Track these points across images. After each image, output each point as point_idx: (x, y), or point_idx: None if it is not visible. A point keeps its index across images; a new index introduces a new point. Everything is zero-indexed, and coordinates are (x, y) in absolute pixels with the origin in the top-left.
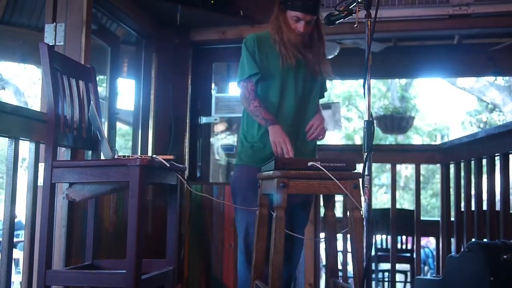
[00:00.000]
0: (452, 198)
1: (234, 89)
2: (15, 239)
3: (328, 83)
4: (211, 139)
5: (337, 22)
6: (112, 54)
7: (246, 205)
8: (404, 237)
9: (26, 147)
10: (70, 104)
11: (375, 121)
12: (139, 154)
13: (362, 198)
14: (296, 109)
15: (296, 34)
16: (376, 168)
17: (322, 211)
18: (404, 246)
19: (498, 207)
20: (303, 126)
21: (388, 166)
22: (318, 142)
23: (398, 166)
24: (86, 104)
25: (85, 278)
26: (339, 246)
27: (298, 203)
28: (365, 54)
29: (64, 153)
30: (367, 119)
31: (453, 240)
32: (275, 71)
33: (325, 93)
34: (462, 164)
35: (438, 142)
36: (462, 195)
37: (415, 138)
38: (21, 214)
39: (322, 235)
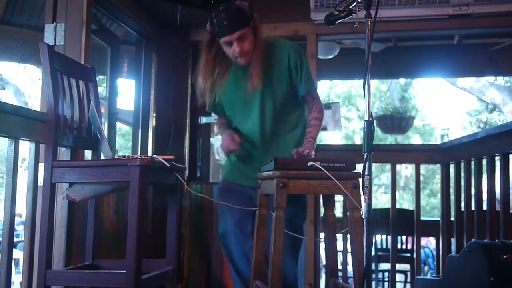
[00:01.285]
0: (452, 198)
1: None
2: (15, 239)
3: (328, 83)
4: (211, 139)
5: (337, 22)
6: (112, 54)
7: (221, 218)
8: (404, 237)
9: (26, 147)
10: (70, 104)
11: (375, 121)
12: (139, 154)
13: (362, 198)
14: (261, 128)
15: (238, 58)
16: (376, 168)
17: (322, 211)
18: (404, 246)
19: (498, 207)
20: (277, 139)
21: (388, 166)
22: (318, 143)
23: (398, 166)
24: (86, 104)
25: (85, 278)
26: (339, 246)
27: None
28: (365, 54)
29: (64, 153)
30: (367, 119)
31: (453, 240)
32: (229, 102)
33: (318, 90)
34: (462, 164)
35: (438, 142)
36: (462, 195)
37: (415, 138)
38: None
39: (322, 235)
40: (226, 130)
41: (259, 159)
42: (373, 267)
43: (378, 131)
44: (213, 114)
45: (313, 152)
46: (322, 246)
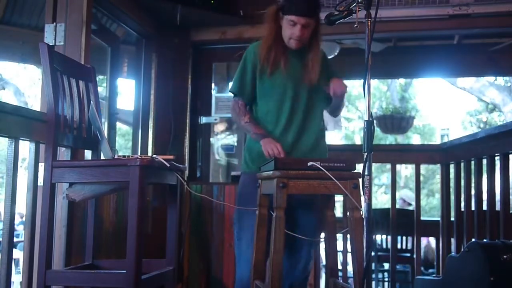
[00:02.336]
0: (452, 198)
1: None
2: (15, 239)
3: None
4: (211, 139)
5: (337, 22)
6: (112, 54)
7: (247, 212)
8: (404, 237)
9: (26, 147)
10: (70, 104)
11: (375, 121)
12: (139, 154)
13: (362, 198)
14: (297, 121)
15: (293, 40)
16: (376, 168)
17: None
18: (404, 246)
19: (498, 207)
20: (306, 139)
21: (388, 166)
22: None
23: (398, 166)
24: (86, 104)
25: (85, 278)
26: (339, 246)
27: (299, 204)
28: (365, 54)
29: (64, 153)
30: (367, 119)
31: (453, 240)
32: (272, 82)
33: None
34: (462, 164)
35: (438, 142)
36: (462, 195)
37: (415, 138)
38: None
39: (322, 235)
40: (265, 136)
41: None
42: (373, 267)
43: (378, 131)
44: (213, 114)
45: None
46: (322, 246)
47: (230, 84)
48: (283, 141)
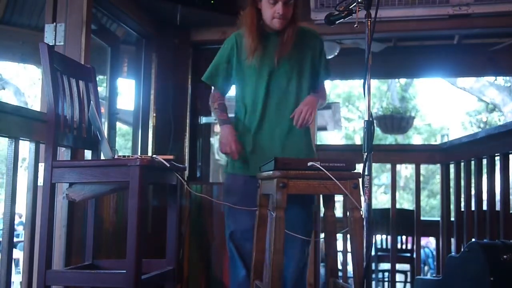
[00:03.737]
0: (452, 198)
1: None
2: (15, 239)
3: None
4: (211, 139)
5: (337, 22)
6: (112, 54)
7: (231, 214)
8: (404, 237)
9: (26, 147)
10: (70, 104)
11: (375, 121)
12: (139, 154)
13: (362, 198)
14: (278, 105)
15: (276, 19)
16: (376, 168)
17: (322, 211)
18: (404, 246)
19: (498, 207)
20: (289, 120)
21: (388, 166)
22: (318, 142)
23: (398, 166)
24: (86, 104)
25: (85, 278)
26: (339, 246)
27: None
28: (365, 54)
29: (64, 153)
30: (367, 119)
31: (453, 240)
32: (249, 68)
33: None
34: (462, 164)
35: (438, 142)
36: (462, 195)
37: (415, 138)
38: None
39: (322, 235)
40: (226, 123)
41: (260, 141)
42: (373, 267)
43: (378, 131)
44: (213, 114)
45: (314, 116)
46: (322, 246)
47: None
48: (258, 130)
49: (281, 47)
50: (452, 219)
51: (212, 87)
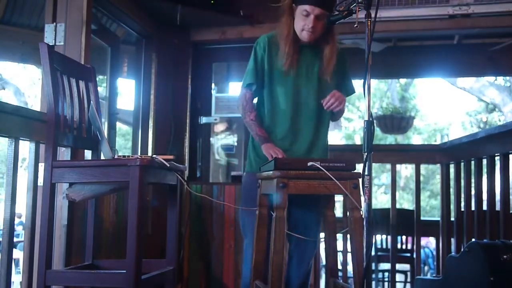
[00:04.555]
0: (452, 198)
1: (234, 89)
2: (15, 239)
3: None
4: (211, 139)
5: (337, 22)
6: (112, 54)
7: (251, 211)
8: (404, 237)
9: (26, 147)
10: (70, 104)
11: (375, 121)
12: (139, 154)
13: (362, 198)
14: (315, 117)
15: (306, 31)
16: (376, 168)
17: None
18: (404, 246)
19: (498, 207)
20: (316, 136)
21: (388, 166)
22: None
23: (398, 166)
24: (86, 104)
25: (85, 278)
26: (339, 246)
27: (299, 203)
28: (365, 54)
29: (64, 153)
30: (367, 119)
31: (453, 240)
32: (282, 74)
33: (353, 93)
34: (462, 164)
35: (438, 142)
36: (462, 195)
37: (415, 138)
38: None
39: (322, 235)
40: (267, 141)
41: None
42: (373, 267)
43: (378, 131)
44: (213, 114)
45: (342, 105)
46: (322, 246)
47: (230, 84)
48: (286, 143)
49: (324, 72)
50: (452, 219)
51: (244, 89)
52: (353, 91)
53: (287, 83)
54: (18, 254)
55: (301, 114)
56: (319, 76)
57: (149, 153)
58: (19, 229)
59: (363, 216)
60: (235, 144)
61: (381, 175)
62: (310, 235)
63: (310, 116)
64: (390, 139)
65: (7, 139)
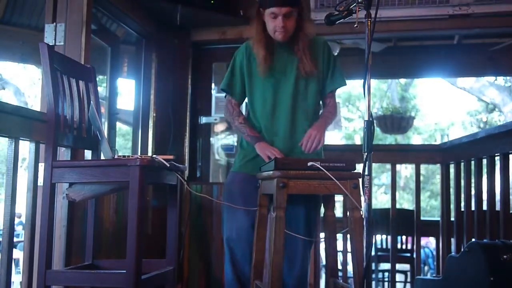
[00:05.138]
0: (452, 198)
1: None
2: (15, 239)
3: None
4: (211, 139)
5: (337, 22)
6: (112, 54)
7: (231, 212)
8: (404, 237)
9: (26, 147)
10: (70, 104)
11: (375, 121)
12: (139, 154)
13: (362, 198)
14: (291, 114)
15: (278, 32)
16: (376, 168)
17: (322, 211)
18: (404, 246)
19: (498, 207)
20: (299, 133)
21: (388, 166)
22: None
23: (398, 166)
24: (86, 104)
25: (85, 278)
26: (339, 246)
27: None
28: (365, 54)
29: (64, 153)
30: (367, 119)
31: (453, 240)
32: (261, 78)
33: (343, 86)
34: (462, 164)
35: (438, 142)
36: (462, 195)
37: (415, 138)
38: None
39: (322, 235)
40: (259, 140)
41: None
42: (373, 267)
43: (378, 131)
44: (213, 114)
45: (323, 141)
46: (322, 246)
47: None
48: (278, 140)
49: (304, 66)
50: (452, 219)
51: (228, 96)
52: (341, 84)
53: (266, 85)
54: (18, 254)
55: (286, 110)
56: (299, 71)
57: (149, 153)
58: (19, 229)
59: (363, 216)
60: (235, 144)
61: (381, 175)
62: (300, 235)
63: (295, 109)
64: (390, 139)
65: (7, 139)
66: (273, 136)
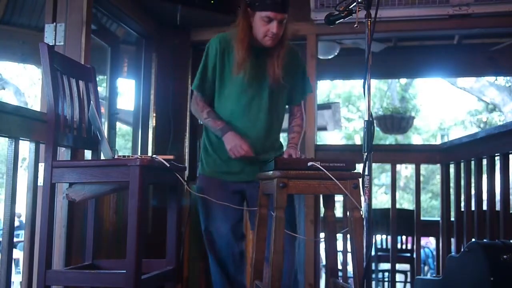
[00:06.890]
0: (452, 198)
1: None
2: (15, 239)
3: (329, 83)
4: None
5: (337, 22)
6: (112, 54)
7: (212, 217)
8: (404, 237)
9: (26, 147)
10: (70, 104)
11: (375, 121)
12: (139, 154)
13: (362, 198)
14: (264, 120)
15: (269, 37)
16: (376, 168)
17: (322, 211)
18: (404, 246)
19: (498, 207)
20: (269, 139)
21: (388, 166)
22: (318, 142)
23: (398, 166)
24: (86, 104)
25: (85, 278)
26: (339, 246)
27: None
28: (365, 54)
29: (64, 153)
30: (367, 119)
31: (453, 240)
32: (233, 76)
33: (310, 93)
34: (462, 164)
35: (438, 142)
36: (462, 195)
37: (415, 138)
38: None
39: (322, 235)
40: (226, 129)
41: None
42: (373, 267)
43: (378, 131)
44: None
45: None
46: (322, 246)
47: None
48: (251, 141)
49: (274, 69)
50: (452, 219)
51: (195, 93)
52: (309, 91)
53: (238, 85)
54: (18, 254)
55: (252, 114)
56: (271, 77)
57: (149, 153)
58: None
59: (363, 216)
60: None
61: (381, 175)
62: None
63: (262, 117)
64: (390, 139)
65: (7, 139)
66: (243, 135)
